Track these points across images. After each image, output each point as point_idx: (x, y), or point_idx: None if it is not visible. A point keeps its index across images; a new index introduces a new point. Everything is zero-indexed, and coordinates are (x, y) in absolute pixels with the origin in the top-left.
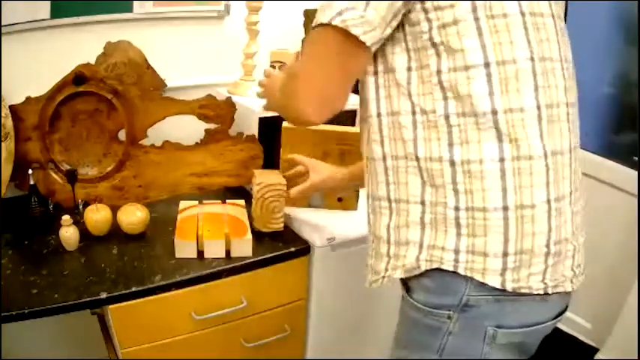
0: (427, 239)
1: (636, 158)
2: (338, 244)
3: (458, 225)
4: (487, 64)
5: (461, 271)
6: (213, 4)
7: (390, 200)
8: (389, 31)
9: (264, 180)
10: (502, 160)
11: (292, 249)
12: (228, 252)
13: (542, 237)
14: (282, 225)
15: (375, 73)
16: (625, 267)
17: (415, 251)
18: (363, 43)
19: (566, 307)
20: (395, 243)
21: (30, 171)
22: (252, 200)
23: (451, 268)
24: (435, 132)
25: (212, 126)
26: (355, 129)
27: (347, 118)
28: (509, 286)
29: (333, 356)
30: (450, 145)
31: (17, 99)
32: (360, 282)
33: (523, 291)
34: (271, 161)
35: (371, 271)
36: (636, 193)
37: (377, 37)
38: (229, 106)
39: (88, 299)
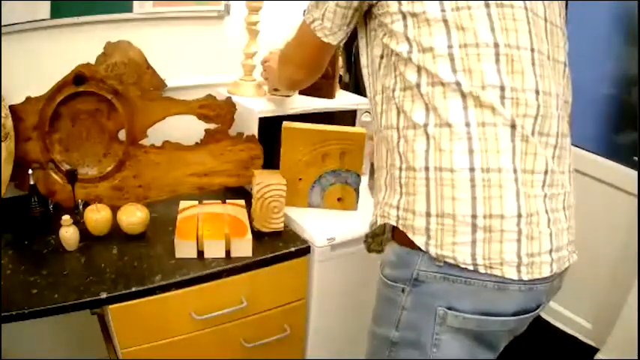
0: (385, 198)
1: (636, 158)
2: (338, 244)
3: (400, 184)
4: (409, 51)
5: (400, 226)
6: (213, 4)
7: (379, 167)
8: (351, 27)
9: (264, 180)
10: (426, 125)
11: (292, 249)
12: (228, 252)
13: (464, 205)
14: (282, 225)
15: (367, 65)
16: (625, 267)
17: (378, 209)
18: (326, 42)
19: (537, 307)
20: (375, 205)
21: (30, 171)
22: (252, 200)
23: (394, 223)
24: (389, 104)
25: (212, 126)
26: (355, 129)
27: (347, 118)
28: (432, 251)
29: (333, 356)
30: (398, 114)
31: (17, 99)
32: (360, 281)
33: (448, 260)
34: (271, 161)
35: None
36: (636, 193)
37: (340, 36)
38: (229, 106)
39: (88, 299)
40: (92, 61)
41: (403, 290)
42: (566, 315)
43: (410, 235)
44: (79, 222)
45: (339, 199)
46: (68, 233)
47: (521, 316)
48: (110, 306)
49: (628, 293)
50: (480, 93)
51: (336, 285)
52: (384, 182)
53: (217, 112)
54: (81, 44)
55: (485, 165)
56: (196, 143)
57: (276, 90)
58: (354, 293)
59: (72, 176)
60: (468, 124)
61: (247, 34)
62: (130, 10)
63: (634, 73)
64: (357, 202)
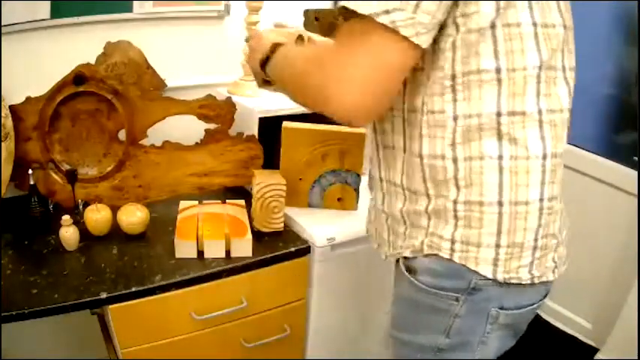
0: (431, 227)
1: (636, 158)
2: (338, 244)
3: (455, 217)
4: (498, 70)
5: (456, 259)
6: (213, 4)
7: (403, 188)
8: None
9: (264, 180)
10: (500, 157)
11: (292, 249)
12: (228, 252)
13: (531, 232)
14: (282, 225)
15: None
16: (625, 267)
17: (422, 235)
18: (414, 44)
19: (547, 292)
20: (410, 225)
21: (30, 171)
22: (252, 200)
23: (447, 256)
24: (441, 131)
25: (212, 126)
26: (355, 129)
27: None
28: (500, 277)
29: (333, 356)
30: (453, 144)
31: (17, 99)
32: (360, 281)
33: (513, 281)
34: (271, 161)
35: (390, 246)
36: (636, 193)
37: (432, 37)
38: (229, 106)
39: (88, 299)
40: (92, 61)
41: (457, 299)
42: (566, 315)
43: (472, 267)
44: (79, 222)
45: (339, 199)
46: (68, 233)
47: (541, 302)
48: (110, 306)
49: (628, 293)
50: (557, 121)
51: (336, 285)
52: (424, 210)
53: (217, 112)
54: (81, 44)
55: (550, 194)
56: (196, 143)
57: (267, 83)
58: (354, 293)
59: (72, 176)
60: (545, 157)
61: (247, 34)
62: (130, 10)
63: (634, 73)
64: (357, 202)
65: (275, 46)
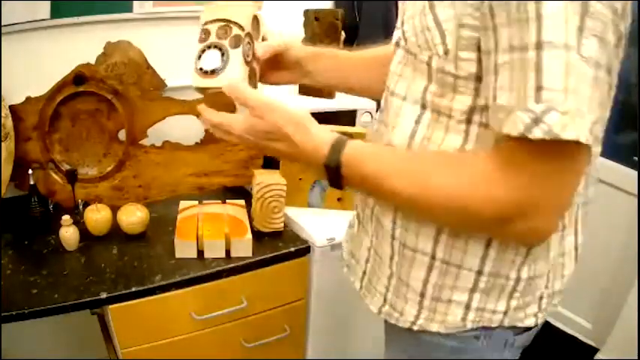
0: (475, 303)
1: (636, 158)
2: (338, 244)
3: (514, 290)
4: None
5: (505, 324)
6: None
7: (434, 258)
8: None
9: (264, 180)
10: (563, 227)
11: (292, 249)
12: (228, 252)
13: (566, 277)
14: (282, 225)
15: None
16: (625, 267)
17: (460, 311)
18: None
19: None
20: (432, 298)
21: (30, 171)
22: (252, 200)
23: (497, 325)
24: None
25: None
26: (355, 129)
27: (347, 118)
28: (539, 322)
29: (333, 356)
30: None
31: (17, 99)
32: None
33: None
34: (271, 161)
35: (386, 303)
36: (636, 193)
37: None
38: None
39: (88, 299)
40: (92, 61)
41: (476, 337)
42: (566, 315)
43: (520, 325)
44: (79, 222)
45: (339, 199)
46: (68, 233)
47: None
48: (110, 306)
49: (628, 293)
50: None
51: (336, 285)
52: (470, 287)
53: None
54: (81, 44)
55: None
56: (196, 143)
57: None
58: (354, 293)
59: (72, 176)
60: (578, 207)
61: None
62: (130, 10)
63: (634, 73)
64: None
65: (335, 152)
